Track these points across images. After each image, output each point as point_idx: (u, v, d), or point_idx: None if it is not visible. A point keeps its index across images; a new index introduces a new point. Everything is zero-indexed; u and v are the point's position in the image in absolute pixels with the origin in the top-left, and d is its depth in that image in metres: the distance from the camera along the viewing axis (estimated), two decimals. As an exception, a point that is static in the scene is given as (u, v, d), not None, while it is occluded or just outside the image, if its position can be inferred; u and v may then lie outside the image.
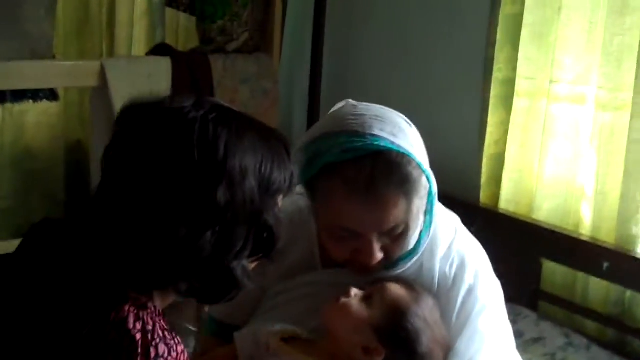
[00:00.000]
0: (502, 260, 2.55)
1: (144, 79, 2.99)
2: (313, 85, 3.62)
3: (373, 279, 1.41)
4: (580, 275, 2.48)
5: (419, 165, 1.33)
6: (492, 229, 2.63)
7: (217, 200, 1.05)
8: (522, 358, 2.25)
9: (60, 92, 3.21)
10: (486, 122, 2.69)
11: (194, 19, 3.38)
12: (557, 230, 2.49)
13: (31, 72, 2.79)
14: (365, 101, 1.46)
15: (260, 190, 1.10)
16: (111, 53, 3.34)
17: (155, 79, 3.06)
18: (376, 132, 1.30)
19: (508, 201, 2.65)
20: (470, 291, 1.44)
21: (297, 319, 1.44)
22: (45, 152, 3.36)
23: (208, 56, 3.31)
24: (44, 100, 3.02)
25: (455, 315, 1.42)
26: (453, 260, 1.46)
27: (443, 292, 1.44)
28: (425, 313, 1.36)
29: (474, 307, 1.43)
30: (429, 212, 1.40)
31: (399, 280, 1.41)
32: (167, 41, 3.48)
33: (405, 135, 1.35)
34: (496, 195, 2.69)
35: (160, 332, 1.08)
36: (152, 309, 1.10)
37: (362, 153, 1.29)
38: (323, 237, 1.42)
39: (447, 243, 1.47)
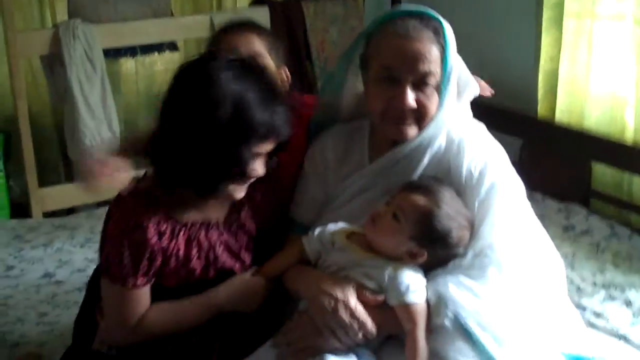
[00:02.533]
0: (558, 165, 2.89)
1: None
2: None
3: (397, 189, 1.60)
4: (626, 175, 2.78)
5: (445, 39, 1.63)
6: (549, 137, 2.99)
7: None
8: (571, 248, 2.57)
9: (180, 44, 3.72)
10: (540, 42, 2.98)
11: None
12: (604, 136, 2.80)
13: (153, 28, 3.35)
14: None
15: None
16: (220, 7, 3.84)
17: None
18: (420, 8, 1.67)
19: (562, 111, 2.96)
20: (492, 186, 1.64)
21: (353, 216, 1.67)
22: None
23: (300, 3, 3.77)
24: (167, 51, 3.58)
25: (477, 203, 1.62)
26: (478, 161, 1.67)
27: (469, 186, 1.64)
28: (446, 209, 1.54)
29: (494, 198, 1.62)
30: (442, 92, 1.65)
31: (415, 186, 1.59)
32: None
33: (446, 22, 1.67)
34: (552, 108, 3.00)
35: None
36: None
37: (406, 14, 1.64)
38: (369, 92, 1.68)
39: (472, 146, 1.69)
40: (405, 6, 1.70)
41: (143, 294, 1.58)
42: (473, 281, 1.52)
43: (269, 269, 1.67)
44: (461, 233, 1.57)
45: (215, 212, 1.65)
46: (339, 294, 1.52)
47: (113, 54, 3.41)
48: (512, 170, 1.75)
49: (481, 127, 1.82)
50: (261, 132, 1.51)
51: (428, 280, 1.55)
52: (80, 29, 3.12)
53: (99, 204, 3.31)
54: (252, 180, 1.59)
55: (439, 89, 1.66)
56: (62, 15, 3.33)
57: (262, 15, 3.57)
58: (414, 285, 1.50)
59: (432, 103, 1.65)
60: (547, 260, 1.68)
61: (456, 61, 1.70)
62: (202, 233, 1.61)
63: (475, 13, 3.43)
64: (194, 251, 1.59)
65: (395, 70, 1.62)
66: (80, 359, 1.73)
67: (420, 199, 1.55)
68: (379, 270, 1.54)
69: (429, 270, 1.58)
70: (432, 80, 1.64)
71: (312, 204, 1.81)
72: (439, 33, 1.64)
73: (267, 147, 1.56)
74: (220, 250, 1.64)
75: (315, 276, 1.59)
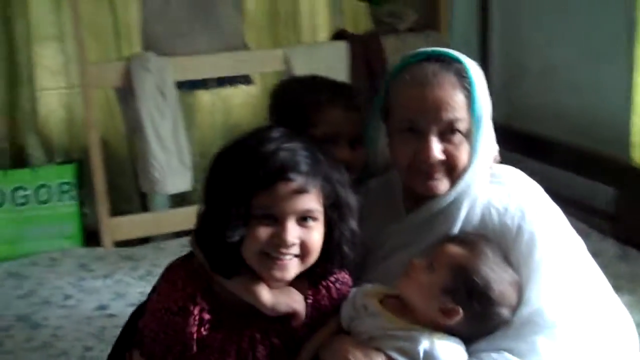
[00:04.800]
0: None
1: (323, 62, 3.39)
2: (482, 56, 3.85)
3: (435, 244, 1.47)
4: None
5: (470, 82, 1.49)
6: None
7: None
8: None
9: (258, 77, 3.69)
10: (632, 80, 2.75)
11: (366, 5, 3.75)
12: None
13: (227, 62, 3.33)
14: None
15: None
16: (298, 40, 3.80)
17: (333, 61, 3.47)
18: (440, 49, 1.54)
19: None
20: (531, 237, 1.47)
21: (392, 274, 1.52)
22: (251, 127, 3.88)
23: (379, 37, 3.67)
24: (239, 85, 3.56)
25: (521, 259, 1.46)
26: (514, 210, 1.51)
27: (509, 243, 1.48)
28: (487, 262, 1.40)
29: (537, 252, 1.46)
30: (474, 138, 1.50)
31: (454, 238, 1.47)
32: (346, 27, 3.86)
33: (471, 61, 1.54)
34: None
35: None
36: None
37: (424, 56, 1.51)
38: (393, 145, 1.55)
39: (504, 193, 1.54)
40: (425, 49, 1.55)
41: None
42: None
43: (307, 348, 1.49)
44: (503, 288, 1.40)
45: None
46: None
47: (188, 86, 3.42)
48: (561, 219, 1.57)
49: (514, 171, 1.64)
50: (272, 168, 1.37)
51: (470, 355, 1.40)
52: (153, 61, 3.14)
53: (177, 234, 3.33)
54: (289, 251, 1.39)
55: (470, 136, 1.51)
56: (137, 46, 3.37)
57: (341, 50, 3.50)
58: None
59: (462, 152, 1.51)
60: (611, 323, 1.48)
61: (487, 105, 1.54)
62: (248, 331, 1.46)
63: (571, 51, 3.23)
64: (233, 347, 1.45)
65: (417, 122, 1.49)
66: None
67: (457, 249, 1.42)
68: (414, 343, 1.38)
69: (471, 340, 1.42)
70: (461, 127, 1.49)
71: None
72: (462, 75, 1.49)
73: (286, 190, 1.38)
74: (261, 353, 1.46)
75: (345, 345, 1.44)
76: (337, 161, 1.51)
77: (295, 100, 1.77)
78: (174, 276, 1.47)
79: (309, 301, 1.51)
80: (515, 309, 1.42)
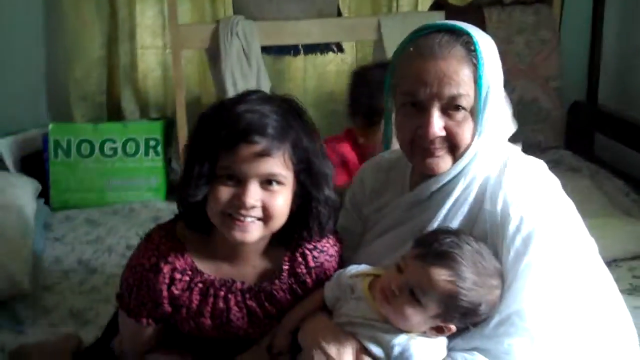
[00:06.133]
0: None
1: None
2: (595, 37, 3.57)
3: (410, 252, 1.37)
4: None
5: (477, 55, 1.39)
6: None
7: None
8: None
9: (350, 45, 3.63)
10: None
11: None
12: None
13: (315, 28, 3.30)
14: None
15: None
16: (397, 9, 3.68)
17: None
18: (452, 22, 1.45)
19: None
20: (530, 234, 1.37)
21: (382, 254, 1.51)
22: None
23: (483, 9, 3.49)
24: (330, 52, 3.51)
25: (512, 253, 1.37)
26: (519, 201, 1.41)
27: (503, 230, 1.39)
28: (472, 278, 1.31)
29: (532, 249, 1.36)
30: (478, 117, 1.41)
31: (435, 256, 1.32)
32: (451, -3, 3.71)
33: (482, 35, 1.43)
34: None
35: None
36: None
37: (435, 29, 1.43)
38: (396, 120, 1.50)
39: (516, 182, 1.44)
40: (436, 22, 1.45)
41: (148, 332, 1.53)
42: None
43: (289, 320, 1.50)
44: (491, 296, 1.34)
45: (246, 272, 1.52)
46: (333, 352, 1.36)
47: (275, 51, 3.43)
48: (571, 220, 1.45)
49: (536, 161, 1.52)
50: (236, 129, 1.37)
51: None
52: (240, 25, 3.18)
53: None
54: (249, 213, 1.40)
55: (475, 114, 1.41)
56: (231, 11, 3.42)
57: (436, 21, 3.36)
58: None
59: (465, 130, 1.42)
60: (603, 333, 1.37)
61: (497, 81, 1.42)
62: (222, 292, 1.50)
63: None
64: (208, 308, 1.49)
65: (418, 95, 1.41)
66: (99, 353, 1.75)
67: (440, 274, 1.31)
68: (390, 336, 1.34)
69: (455, 335, 1.37)
70: (464, 104, 1.40)
71: (350, 239, 1.65)
72: (471, 49, 1.38)
73: (248, 152, 1.38)
74: (236, 315, 1.50)
75: (320, 327, 1.43)
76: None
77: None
78: (154, 235, 1.53)
79: (285, 267, 1.52)
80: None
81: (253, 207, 1.39)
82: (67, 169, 3.27)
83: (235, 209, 1.39)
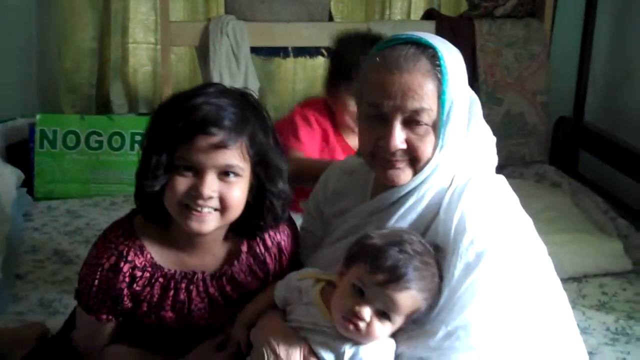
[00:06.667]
0: None
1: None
2: (585, 54, 3.59)
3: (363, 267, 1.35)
4: None
5: (442, 70, 1.40)
6: None
7: None
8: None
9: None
10: None
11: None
12: None
13: (306, 32, 3.31)
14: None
15: None
16: (390, 16, 3.71)
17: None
18: (421, 34, 1.45)
19: None
20: (484, 250, 1.37)
21: (338, 258, 1.46)
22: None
23: (474, 20, 3.50)
24: (319, 57, 3.54)
25: (463, 266, 1.37)
26: (475, 216, 1.41)
27: (456, 243, 1.39)
28: (427, 286, 1.34)
29: (484, 263, 1.36)
30: (440, 131, 1.43)
31: (390, 271, 1.32)
32: (444, 9, 3.72)
33: (449, 49, 1.44)
34: None
35: None
36: None
37: (402, 41, 1.43)
38: (359, 130, 1.50)
39: (474, 197, 1.44)
40: (403, 34, 1.46)
41: (108, 328, 1.55)
42: None
43: (245, 314, 1.51)
44: (435, 285, 1.37)
45: (205, 261, 1.53)
46: (282, 352, 1.37)
47: (264, 52, 3.45)
48: (530, 239, 1.46)
49: (498, 177, 1.53)
50: (193, 121, 1.39)
51: None
52: (231, 25, 3.20)
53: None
54: (206, 204, 1.41)
55: (437, 128, 1.42)
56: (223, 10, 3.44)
57: (427, 31, 3.36)
58: None
59: (426, 144, 1.43)
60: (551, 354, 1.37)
61: (461, 96, 1.43)
62: (184, 284, 1.51)
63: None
64: (168, 301, 1.51)
65: (381, 107, 1.42)
66: (55, 345, 1.76)
67: (406, 298, 1.32)
68: (340, 342, 1.36)
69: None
70: (426, 118, 1.41)
71: (309, 240, 1.67)
72: (435, 63, 1.40)
73: (206, 143, 1.39)
74: (197, 305, 1.52)
75: (272, 326, 1.43)
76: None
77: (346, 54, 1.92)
78: (110, 233, 1.53)
79: (244, 249, 1.55)
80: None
81: (210, 197, 1.41)
82: (52, 159, 3.30)
83: (193, 200, 1.41)
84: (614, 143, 3.29)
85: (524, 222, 1.48)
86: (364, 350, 1.34)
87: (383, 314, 1.33)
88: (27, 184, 3.20)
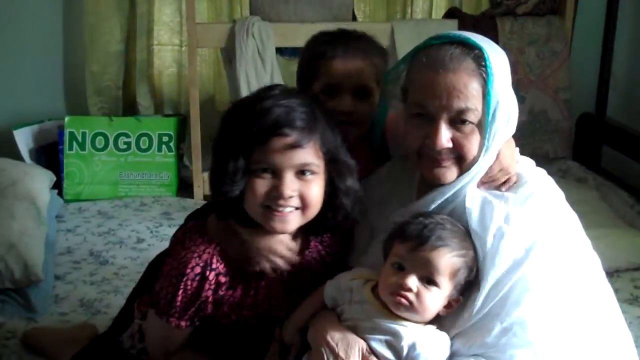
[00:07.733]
0: None
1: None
2: (606, 52, 3.61)
3: (404, 248, 1.41)
4: None
5: (487, 70, 1.41)
6: None
7: None
8: None
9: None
10: None
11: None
12: None
13: (329, 31, 3.36)
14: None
15: None
16: (412, 15, 3.73)
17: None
18: (468, 34, 1.46)
19: None
20: (532, 246, 1.40)
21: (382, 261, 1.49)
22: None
23: (496, 19, 3.52)
24: (343, 56, 3.57)
25: (512, 262, 1.39)
26: (523, 215, 1.43)
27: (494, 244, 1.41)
28: (461, 246, 1.39)
29: (534, 257, 1.39)
30: (486, 131, 1.44)
31: (426, 239, 1.38)
32: (465, 7, 3.74)
33: (495, 50, 1.46)
34: None
35: None
36: None
37: (447, 40, 1.44)
38: (405, 128, 1.51)
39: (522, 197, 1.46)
40: (448, 32, 1.48)
41: (183, 334, 1.55)
42: None
43: (296, 317, 1.53)
44: (471, 260, 1.41)
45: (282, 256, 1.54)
46: (341, 351, 1.39)
47: (289, 53, 3.48)
48: (578, 234, 1.48)
49: (542, 173, 1.55)
50: (266, 123, 1.40)
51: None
52: (256, 26, 3.23)
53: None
54: (288, 203, 1.44)
55: (482, 128, 1.44)
56: (248, 11, 3.47)
57: (448, 29, 3.40)
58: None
59: (471, 142, 1.44)
60: (607, 351, 1.40)
61: (506, 96, 1.45)
62: (263, 283, 1.53)
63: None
64: (249, 300, 1.52)
65: (427, 107, 1.43)
66: (105, 346, 1.79)
67: (443, 255, 1.37)
68: (399, 338, 1.38)
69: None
70: (472, 118, 1.42)
71: (358, 246, 1.66)
72: (481, 63, 1.41)
73: (280, 144, 1.41)
74: (278, 299, 1.54)
75: (329, 325, 1.45)
76: (341, 113, 1.56)
77: (308, 52, 1.77)
78: (190, 241, 1.50)
79: (312, 240, 1.57)
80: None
81: (291, 197, 1.43)
82: (81, 161, 3.34)
83: (274, 201, 1.43)
84: (636, 137, 3.31)
85: (571, 217, 1.50)
86: (421, 344, 1.37)
87: (428, 281, 1.37)
88: (57, 186, 3.24)
